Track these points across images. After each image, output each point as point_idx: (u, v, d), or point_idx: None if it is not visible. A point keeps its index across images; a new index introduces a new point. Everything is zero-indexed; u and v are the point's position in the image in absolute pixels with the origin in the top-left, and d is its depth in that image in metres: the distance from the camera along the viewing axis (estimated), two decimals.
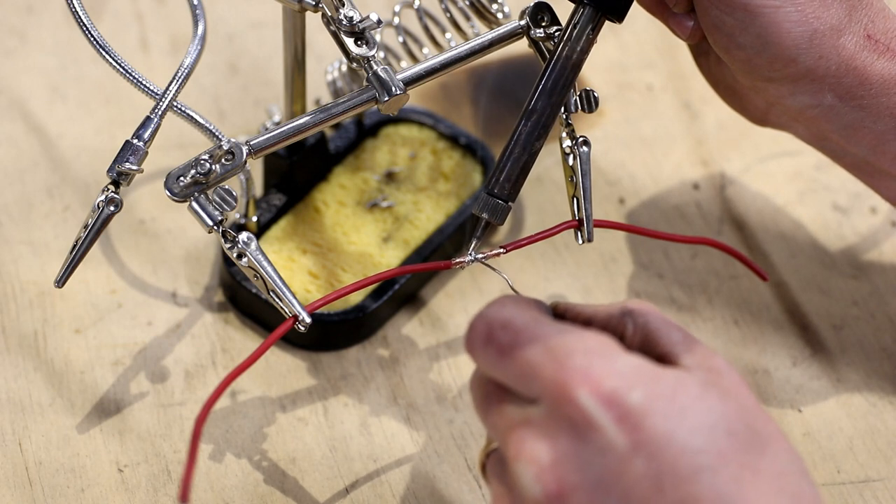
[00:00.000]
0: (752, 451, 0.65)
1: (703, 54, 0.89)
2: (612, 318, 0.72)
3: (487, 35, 0.84)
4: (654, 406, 0.65)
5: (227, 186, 0.79)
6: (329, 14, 0.81)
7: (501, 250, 0.81)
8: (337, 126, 0.97)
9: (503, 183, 0.80)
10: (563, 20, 0.82)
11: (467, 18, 0.90)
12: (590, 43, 0.80)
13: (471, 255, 0.81)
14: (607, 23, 0.81)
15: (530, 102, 0.80)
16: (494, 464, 0.71)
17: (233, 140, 0.80)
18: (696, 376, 0.67)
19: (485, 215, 0.80)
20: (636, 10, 0.85)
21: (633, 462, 0.64)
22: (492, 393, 0.70)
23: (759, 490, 0.64)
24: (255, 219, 0.92)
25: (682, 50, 0.92)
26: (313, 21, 0.86)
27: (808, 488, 0.66)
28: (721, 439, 0.65)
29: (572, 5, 0.81)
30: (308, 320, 0.79)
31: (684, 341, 0.70)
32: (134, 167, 0.80)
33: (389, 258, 0.93)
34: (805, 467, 0.67)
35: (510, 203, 0.80)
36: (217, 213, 0.79)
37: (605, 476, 0.65)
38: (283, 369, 0.90)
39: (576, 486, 0.65)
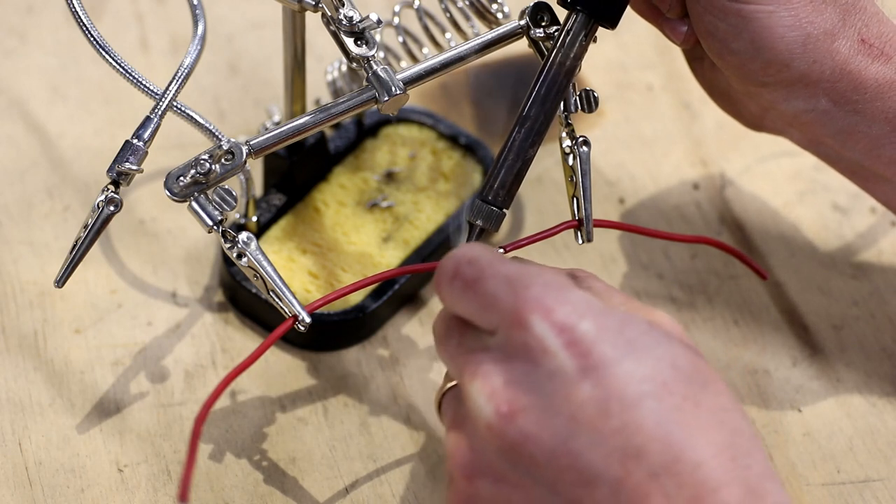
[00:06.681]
0: (694, 385, 0.68)
1: (697, 59, 0.89)
2: None
3: (487, 35, 0.84)
4: (603, 335, 0.68)
5: (226, 186, 0.79)
6: (329, 14, 0.81)
7: (501, 251, 0.81)
8: (337, 126, 0.97)
9: (497, 189, 0.80)
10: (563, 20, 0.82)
11: (467, 18, 0.90)
12: (583, 49, 0.80)
13: None
14: None
15: (524, 109, 0.80)
16: (450, 398, 0.74)
17: (233, 140, 0.80)
18: (643, 317, 0.70)
19: (479, 222, 0.80)
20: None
21: (581, 386, 0.67)
22: (453, 327, 0.73)
23: (699, 420, 0.67)
24: (255, 219, 0.92)
25: (681, 50, 0.93)
26: (313, 21, 0.86)
27: (747, 427, 0.69)
28: (666, 371, 0.68)
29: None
30: (308, 320, 0.79)
31: (626, 303, 0.73)
32: (134, 167, 0.80)
33: (389, 258, 0.93)
34: (744, 410, 0.69)
35: (504, 210, 0.80)
36: (217, 213, 0.79)
37: (554, 398, 0.68)
38: (283, 369, 0.90)
39: (526, 406, 0.68)
